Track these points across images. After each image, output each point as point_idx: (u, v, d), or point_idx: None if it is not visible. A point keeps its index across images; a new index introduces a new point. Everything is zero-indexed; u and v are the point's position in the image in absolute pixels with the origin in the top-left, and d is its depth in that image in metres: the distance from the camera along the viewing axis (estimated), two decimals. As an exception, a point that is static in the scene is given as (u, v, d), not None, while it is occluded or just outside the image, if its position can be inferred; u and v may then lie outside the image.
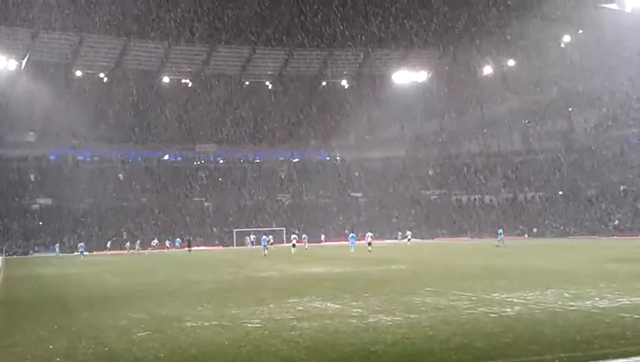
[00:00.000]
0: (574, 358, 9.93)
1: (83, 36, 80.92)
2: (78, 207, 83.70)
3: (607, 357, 9.89)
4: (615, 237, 67.67)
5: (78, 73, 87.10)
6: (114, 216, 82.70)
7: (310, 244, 63.58)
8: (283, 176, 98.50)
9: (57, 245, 70.42)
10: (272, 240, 64.85)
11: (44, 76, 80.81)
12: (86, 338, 12.96)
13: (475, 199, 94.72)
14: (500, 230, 56.07)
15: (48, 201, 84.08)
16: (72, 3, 69.27)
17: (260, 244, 55.91)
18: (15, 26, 75.58)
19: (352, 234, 54.95)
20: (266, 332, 12.97)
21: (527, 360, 10.06)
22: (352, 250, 49.90)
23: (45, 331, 14.13)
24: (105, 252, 70.37)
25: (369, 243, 49.85)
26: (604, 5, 74.71)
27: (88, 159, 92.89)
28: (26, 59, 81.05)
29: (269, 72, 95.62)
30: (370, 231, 56.19)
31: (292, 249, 52.20)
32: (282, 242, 73.34)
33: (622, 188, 78.90)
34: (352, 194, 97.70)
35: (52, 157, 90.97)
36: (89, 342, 12.61)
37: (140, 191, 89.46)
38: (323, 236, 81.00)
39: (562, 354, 10.12)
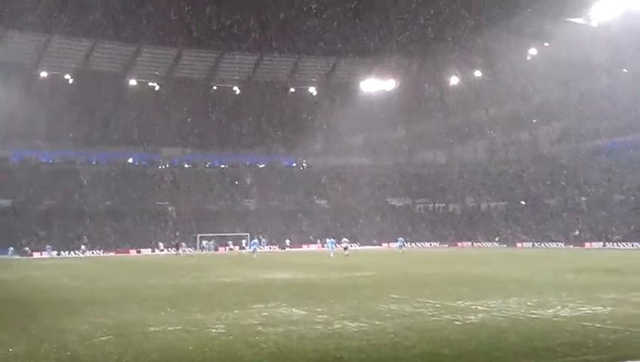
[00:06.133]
0: (537, 366, 10.03)
1: (49, 36, 79.94)
2: (38, 209, 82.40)
3: (569, 365, 10.01)
4: (575, 247, 68.67)
5: (44, 74, 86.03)
6: (75, 219, 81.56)
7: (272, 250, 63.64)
8: (249, 182, 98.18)
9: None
10: (262, 243, 70.02)
11: (9, 76, 79.59)
12: (47, 342, 12.73)
13: (439, 207, 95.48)
14: (400, 238, 60.70)
15: (8, 203, 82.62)
16: (39, 3, 68.38)
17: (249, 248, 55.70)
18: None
19: (331, 239, 56.77)
20: (230, 337, 12.87)
21: (491, 368, 10.14)
22: (332, 255, 51.03)
23: (5, 334, 13.85)
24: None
25: (345, 248, 52.02)
26: (571, 19, 75.95)
27: (51, 161, 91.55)
28: (-11, 59, 79.82)
29: (237, 77, 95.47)
30: (346, 238, 58.50)
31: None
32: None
33: (583, 199, 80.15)
34: (317, 201, 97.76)
35: (14, 159, 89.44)
36: (50, 345, 12.40)
37: (103, 194, 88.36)
38: (288, 241, 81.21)
39: (525, 362, 10.22)
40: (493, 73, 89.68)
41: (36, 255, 70.89)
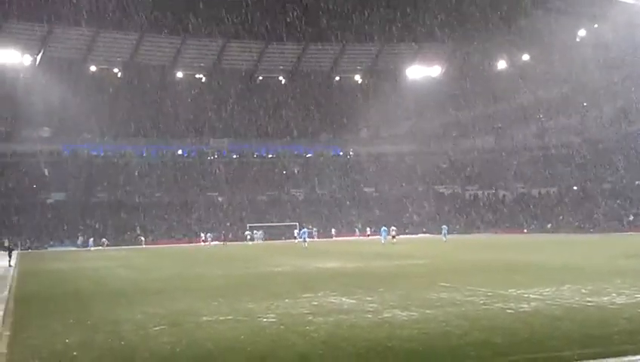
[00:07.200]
0: (593, 354, 9.83)
1: (97, 31, 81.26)
2: (91, 201, 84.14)
3: (627, 354, 9.80)
4: (630, 232, 67.22)
5: (93, 68, 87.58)
6: (127, 211, 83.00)
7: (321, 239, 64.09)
8: (296, 171, 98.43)
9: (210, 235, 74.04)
10: (313, 233, 72.28)
11: (59, 71, 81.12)
12: (102, 333, 12.98)
13: (488, 194, 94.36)
14: (444, 226, 63.02)
15: (62, 196, 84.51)
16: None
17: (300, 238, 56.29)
18: (30, 21, 76.02)
19: (383, 227, 57.75)
20: (282, 326, 12.95)
21: (546, 356, 9.97)
22: (383, 242, 52.70)
23: (61, 325, 14.16)
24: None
25: (393, 237, 54.01)
26: (620, -1, 74.12)
27: (102, 154, 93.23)
28: (40, 55, 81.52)
29: (282, 67, 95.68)
30: (394, 226, 59.59)
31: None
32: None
33: (637, 183, 78.36)
34: (365, 189, 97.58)
35: (66, 152, 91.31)
36: (105, 336, 12.64)
37: (153, 186, 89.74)
38: (333, 230, 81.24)
39: (581, 350, 10.04)
40: (541, 56, 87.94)
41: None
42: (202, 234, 74.24)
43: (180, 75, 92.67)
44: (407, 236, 75.05)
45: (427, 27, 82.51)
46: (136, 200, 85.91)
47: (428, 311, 14.26)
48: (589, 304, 14.72)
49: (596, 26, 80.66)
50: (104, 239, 71.57)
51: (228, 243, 70.64)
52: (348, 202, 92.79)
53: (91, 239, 70.74)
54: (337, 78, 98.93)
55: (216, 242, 71.23)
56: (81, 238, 72.32)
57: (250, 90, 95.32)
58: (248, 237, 76.02)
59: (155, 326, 13.39)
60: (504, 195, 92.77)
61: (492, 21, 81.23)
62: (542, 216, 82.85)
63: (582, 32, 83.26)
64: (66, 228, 77.61)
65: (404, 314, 14.05)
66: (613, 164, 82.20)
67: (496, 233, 78.66)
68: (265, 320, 13.84)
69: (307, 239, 54.72)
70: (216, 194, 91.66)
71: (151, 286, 23.03)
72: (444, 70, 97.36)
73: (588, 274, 21.77)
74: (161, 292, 20.70)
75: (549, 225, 79.08)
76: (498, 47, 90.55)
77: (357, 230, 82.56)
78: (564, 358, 9.77)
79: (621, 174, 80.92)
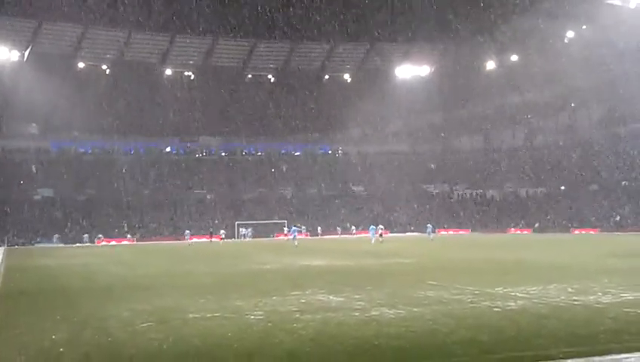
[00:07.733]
0: (579, 353, 9.88)
1: (86, 28, 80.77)
2: (79, 198, 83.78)
3: (611, 352, 9.86)
4: (617, 232, 67.67)
5: (81, 65, 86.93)
6: (115, 208, 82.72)
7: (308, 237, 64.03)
8: (285, 169, 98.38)
9: None
10: (302, 230, 72.56)
11: (47, 67, 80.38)
12: (89, 329, 12.94)
13: (476, 194, 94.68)
14: (429, 224, 64.81)
15: (50, 192, 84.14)
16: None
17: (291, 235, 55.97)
18: (18, 16, 75.45)
19: (372, 226, 58.41)
20: (269, 324, 12.94)
21: (531, 354, 10.01)
22: (372, 242, 52.53)
23: (48, 321, 14.10)
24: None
25: (380, 235, 53.77)
26: (608, 1, 74.44)
27: (90, 151, 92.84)
28: (28, 50, 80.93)
29: (272, 65, 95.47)
30: (382, 225, 60.32)
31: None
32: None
33: (624, 183, 78.88)
34: (353, 187, 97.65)
35: (54, 149, 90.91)
36: (92, 332, 12.60)
37: (141, 184, 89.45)
38: (319, 228, 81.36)
39: (567, 349, 10.09)
40: (529, 57, 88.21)
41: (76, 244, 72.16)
42: (187, 232, 73.49)
43: (168, 72, 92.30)
44: (395, 235, 75.27)
45: (416, 27, 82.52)
46: (124, 197, 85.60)
47: (415, 309, 14.30)
48: (576, 303, 14.81)
49: (584, 27, 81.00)
50: (100, 235, 71.36)
51: (213, 240, 70.43)
52: (336, 200, 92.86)
53: (86, 235, 70.52)
54: (327, 77, 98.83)
55: (195, 239, 69.77)
56: (63, 234, 72.02)
57: (239, 88, 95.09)
58: (223, 235, 72.48)
59: (143, 323, 13.36)
60: (492, 195, 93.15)
61: (481, 22, 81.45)
62: (529, 215, 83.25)
63: (570, 34, 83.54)
64: (53, 224, 77.25)
65: (391, 312, 14.08)
66: (601, 164, 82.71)
67: (483, 232, 79.02)
68: (252, 317, 13.83)
69: (296, 237, 54.79)
70: (205, 191, 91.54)
71: (138, 282, 22.97)
72: (433, 70, 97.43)
73: (575, 273, 21.91)
74: (148, 288, 20.65)
75: (536, 225, 79.48)
76: (487, 48, 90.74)
77: (338, 229, 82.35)
78: (550, 356, 9.82)
79: (608, 174, 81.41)
